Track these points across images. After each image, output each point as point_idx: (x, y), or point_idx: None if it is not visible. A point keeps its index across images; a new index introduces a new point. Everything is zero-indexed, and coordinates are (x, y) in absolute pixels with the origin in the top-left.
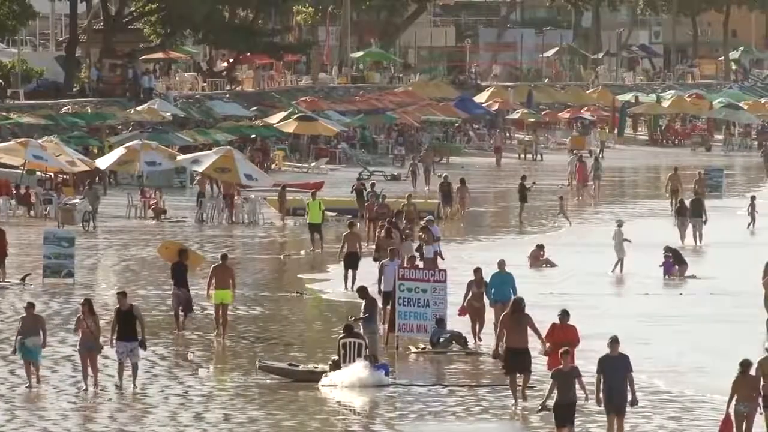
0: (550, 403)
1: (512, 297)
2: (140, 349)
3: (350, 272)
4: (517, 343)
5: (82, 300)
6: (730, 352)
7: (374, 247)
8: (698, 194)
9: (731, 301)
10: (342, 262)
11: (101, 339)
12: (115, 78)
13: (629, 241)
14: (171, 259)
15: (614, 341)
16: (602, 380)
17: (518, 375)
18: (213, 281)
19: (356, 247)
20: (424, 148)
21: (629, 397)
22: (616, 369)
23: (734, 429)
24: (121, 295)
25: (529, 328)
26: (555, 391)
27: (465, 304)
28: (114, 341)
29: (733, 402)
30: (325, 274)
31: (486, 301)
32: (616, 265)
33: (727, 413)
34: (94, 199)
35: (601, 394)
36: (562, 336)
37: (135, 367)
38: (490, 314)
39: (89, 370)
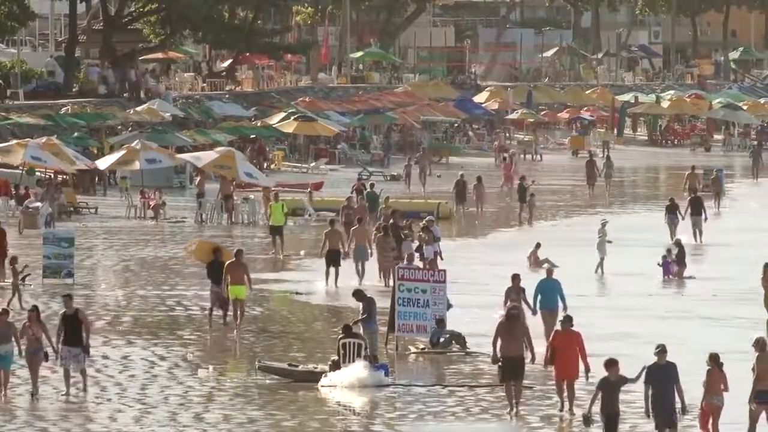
0: (593, 412)
1: (560, 304)
2: (84, 355)
3: (332, 269)
4: (511, 351)
5: (31, 306)
6: (729, 353)
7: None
8: (717, 193)
9: (731, 301)
10: (324, 259)
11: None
12: (83, 79)
13: (610, 241)
14: (206, 258)
15: (662, 350)
16: (650, 390)
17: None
18: (228, 277)
19: (337, 245)
20: (421, 149)
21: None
22: (665, 379)
23: (710, 422)
24: (67, 298)
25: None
26: (597, 401)
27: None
28: (59, 346)
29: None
30: (282, 274)
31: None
32: (600, 263)
33: (702, 407)
34: (53, 201)
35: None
36: (566, 343)
37: (83, 373)
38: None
39: (37, 375)
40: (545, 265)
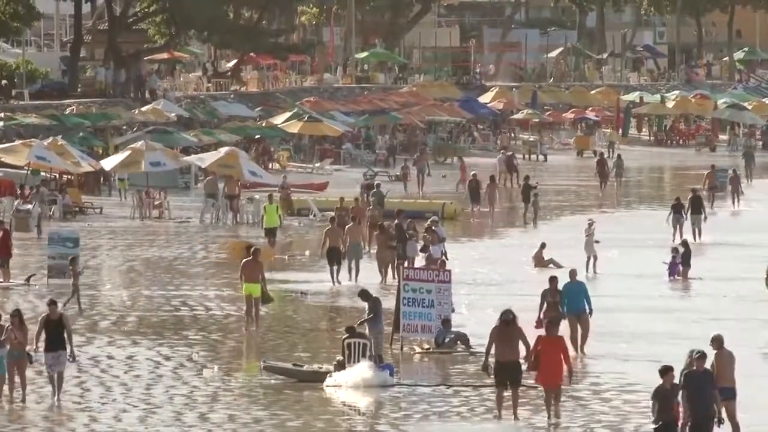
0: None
1: (586, 308)
2: (67, 357)
3: (334, 267)
4: (506, 356)
5: (12, 311)
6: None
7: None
8: (735, 192)
9: (737, 300)
10: (326, 258)
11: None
12: (87, 79)
13: (598, 241)
14: (240, 256)
15: (702, 357)
16: (687, 398)
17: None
18: (243, 275)
19: (338, 242)
20: (419, 150)
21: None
22: (702, 386)
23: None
24: (53, 304)
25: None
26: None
27: (541, 315)
28: (38, 348)
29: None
30: (287, 274)
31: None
32: (587, 263)
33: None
34: (42, 203)
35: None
36: (551, 348)
37: (59, 377)
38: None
39: (18, 381)
40: (550, 266)
